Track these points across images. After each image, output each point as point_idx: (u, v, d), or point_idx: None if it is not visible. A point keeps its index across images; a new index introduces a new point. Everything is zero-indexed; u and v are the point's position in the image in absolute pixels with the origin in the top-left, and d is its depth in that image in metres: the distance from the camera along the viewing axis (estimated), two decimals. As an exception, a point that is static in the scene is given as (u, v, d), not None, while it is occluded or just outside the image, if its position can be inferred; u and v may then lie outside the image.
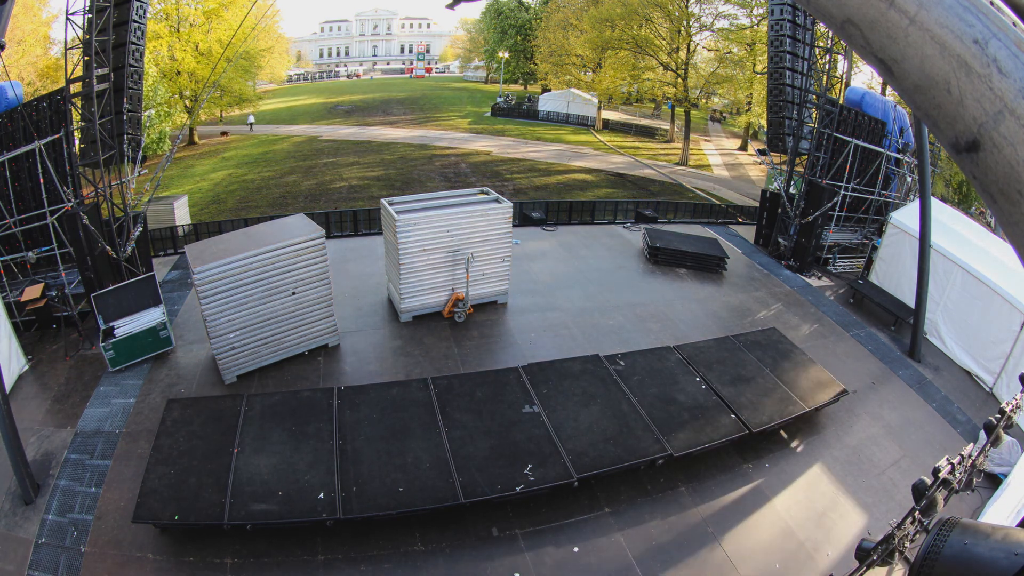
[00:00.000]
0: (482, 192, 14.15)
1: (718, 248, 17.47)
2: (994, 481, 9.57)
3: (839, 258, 18.23)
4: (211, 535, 7.92)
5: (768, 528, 8.83)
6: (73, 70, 11.84)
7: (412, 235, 12.44)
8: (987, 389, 12.70)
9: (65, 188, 12.14)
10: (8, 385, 10.21)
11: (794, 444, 10.55)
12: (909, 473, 9.87)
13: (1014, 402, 6.90)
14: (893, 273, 15.52)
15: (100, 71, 12.04)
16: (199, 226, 19.56)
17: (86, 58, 11.89)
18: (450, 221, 12.73)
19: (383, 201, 13.16)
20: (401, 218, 12.25)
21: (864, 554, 5.61)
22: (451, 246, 12.89)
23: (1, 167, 11.75)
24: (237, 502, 7.77)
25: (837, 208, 16.96)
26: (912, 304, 13.80)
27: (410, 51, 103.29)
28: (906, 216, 15.30)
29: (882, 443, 10.75)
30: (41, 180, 11.81)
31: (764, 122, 27.18)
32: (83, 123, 12.38)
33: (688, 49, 43.88)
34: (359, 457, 8.63)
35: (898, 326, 14.75)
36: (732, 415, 9.96)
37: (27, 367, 11.23)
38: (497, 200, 13.55)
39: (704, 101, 53.28)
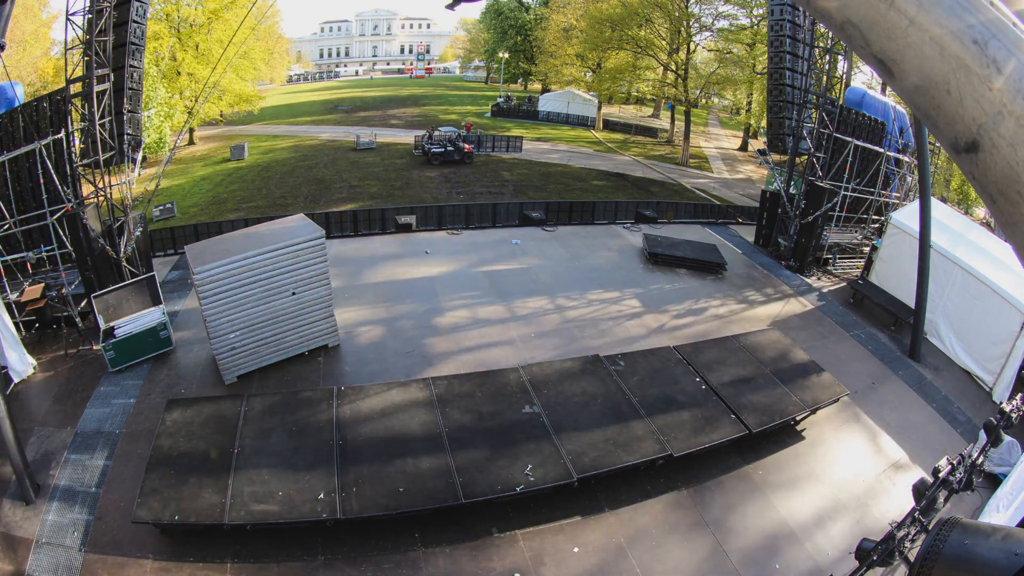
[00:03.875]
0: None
1: (717, 254, 17.38)
2: (994, 481, 9.56)
3: (839, 258, 18.22)
4: (211, 535, 7.91)
5: (768, 528, 8.83)
6: (73, 70, 11.85)
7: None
8: (987, 389, 12.70)
9: (65, 188, 12.13)
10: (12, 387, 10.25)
11: (794, 444, 10.55)
12: (909, 473, 9.88)
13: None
14: (893, 273, 15.49)
15: (100, 71, 12.05)
16: (199, 226, 19.56)
17: (86, 58, 11.90)
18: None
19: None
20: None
21: (864, 554, 5.62)
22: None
23: (1, 167, 11.73)
24: (237, 502, 7.77)
25: (837, 208, 16.95)
26: (912, 304, 13.80)
27: (410, 51, 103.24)
28: (906, 216, 15.28)
29: (882, 443, 10.76)
30: (41, 180, 11.81)
31: (764, 122, 27.17)
32: (83, 123, 12.38)
33: (688, 49, 43.86)
34: (359, 457, 8.62)
35: (898, 326, 14.74)
36: (732, 415, 9.96)
37: (34, 372, 11.19)
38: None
39: (704, 101, 53.29)
